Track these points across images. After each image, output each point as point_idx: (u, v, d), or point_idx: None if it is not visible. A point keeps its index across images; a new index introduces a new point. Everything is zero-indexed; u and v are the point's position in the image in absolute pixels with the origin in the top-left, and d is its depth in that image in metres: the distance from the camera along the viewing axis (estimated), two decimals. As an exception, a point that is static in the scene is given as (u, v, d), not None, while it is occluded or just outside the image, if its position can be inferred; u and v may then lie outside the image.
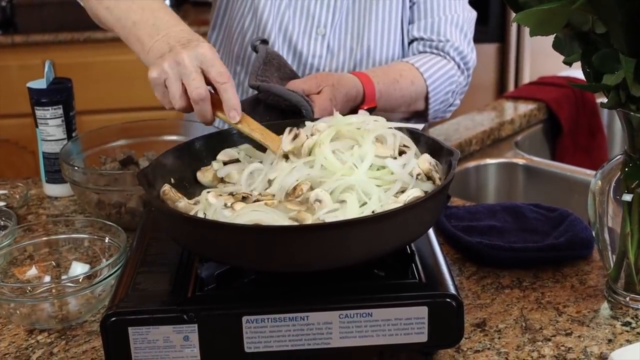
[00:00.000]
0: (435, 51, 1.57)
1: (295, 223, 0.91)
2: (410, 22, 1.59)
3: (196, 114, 1.11)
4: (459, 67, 1.59)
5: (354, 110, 1.41)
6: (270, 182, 1.01)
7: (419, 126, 1.30)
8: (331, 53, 1.55)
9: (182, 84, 1.10)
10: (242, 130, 1.10)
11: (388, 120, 1.06)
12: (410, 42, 1.60)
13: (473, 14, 1.63)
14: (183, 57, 1.09)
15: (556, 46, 1.04)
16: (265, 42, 1.43)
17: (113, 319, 0.90)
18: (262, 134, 1.09)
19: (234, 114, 1.09)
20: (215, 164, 1.10)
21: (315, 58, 1.55)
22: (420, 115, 1.59)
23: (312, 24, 1.54)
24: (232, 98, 1.09)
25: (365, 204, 0.93)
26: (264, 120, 1.15)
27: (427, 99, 1.55)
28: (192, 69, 1.09)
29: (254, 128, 1.10)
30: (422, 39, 1.58)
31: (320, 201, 0.92)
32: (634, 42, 0.92)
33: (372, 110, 1.43)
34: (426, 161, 0.99)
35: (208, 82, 1.10)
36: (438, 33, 1.57)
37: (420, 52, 1.58)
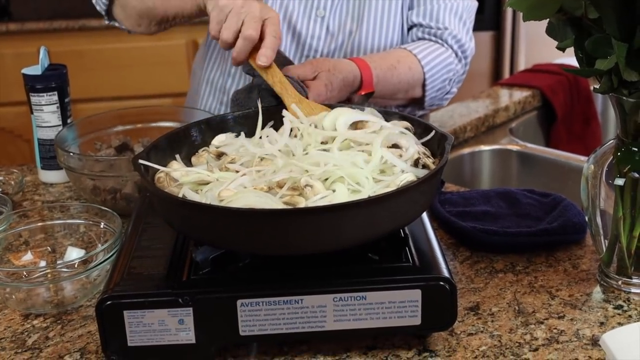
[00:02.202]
0: (433, 38, 1.57)
1: (289, 207, 0.91)
2: (410, 7, 1.59)
3: (234, 50, 1.20)
4: (456, 55, 1.59)
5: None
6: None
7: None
8: (330, 35, 1.55)
9: (242, 23, 1.19)
10: (266, 80, 1.19)
11: (385, 107, 1.06)
12: (410, 28, 1.60)
13: (473, 3, 1.62)
14: (255, 6, 1.21)
15: (549, 32, 1.04)
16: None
17: (108, 302, 0.91)
18: (283, 87, 1.18)
19: (263, 59, 1.19)
20: (210, 149, 1.10)
21: (314, 39, 1.55)
22: (417, 102, 1.59)
23: (312, 5, 1.54)
24: (271, 45, 1.19)
25: (355, 191, 0.94)
26: (261, 104, 1.17)
27: (424, 86, 1.55)
28: (258, 17, 1.20)
29: (276, 81, 1.19)
30: (420, 25, 1.58)
31: (311, 186, 0.93)
32: (626, 27, 0.92)
33: (369, 96, 1.43)
34: (415, 152, 1.00)
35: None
36: (437, 20, 1.56)
37: (419, 39, 1.58)
